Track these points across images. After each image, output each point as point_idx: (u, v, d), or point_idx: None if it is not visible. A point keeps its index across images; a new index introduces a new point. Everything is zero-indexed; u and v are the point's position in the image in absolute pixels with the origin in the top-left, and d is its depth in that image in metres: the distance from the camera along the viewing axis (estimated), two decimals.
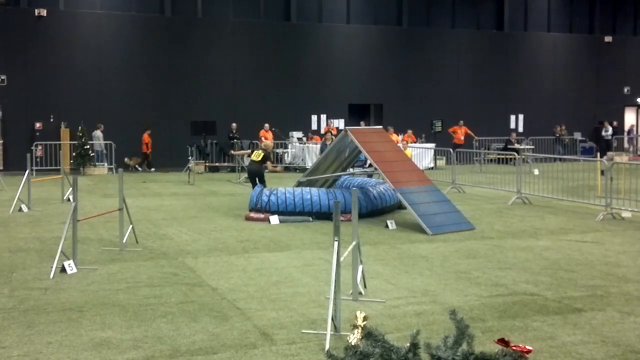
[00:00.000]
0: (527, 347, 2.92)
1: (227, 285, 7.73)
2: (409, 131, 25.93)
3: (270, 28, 28.22)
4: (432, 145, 25.28)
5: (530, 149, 26.60)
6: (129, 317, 6.52)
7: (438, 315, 6.54)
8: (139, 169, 25.01)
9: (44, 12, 24.88)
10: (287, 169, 24.88)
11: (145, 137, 25.04)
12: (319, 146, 22.02)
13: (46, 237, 10.85)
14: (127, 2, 26.59)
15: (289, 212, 12.53)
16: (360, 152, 13.66)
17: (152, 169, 24.98)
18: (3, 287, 7.68)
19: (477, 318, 6.43)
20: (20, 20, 24.74)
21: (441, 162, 24.83)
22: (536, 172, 20.00)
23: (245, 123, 25.93)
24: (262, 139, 25.23)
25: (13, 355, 5.47)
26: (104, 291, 7.51)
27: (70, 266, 8.38)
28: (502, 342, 2.91)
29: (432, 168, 23.62)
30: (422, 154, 23.65)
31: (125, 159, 24.56)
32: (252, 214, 12.70)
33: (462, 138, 26.58)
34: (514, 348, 2.87)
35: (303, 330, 6.06)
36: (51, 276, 8.09)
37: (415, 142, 25.08)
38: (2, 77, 24.61)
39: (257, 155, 14.43)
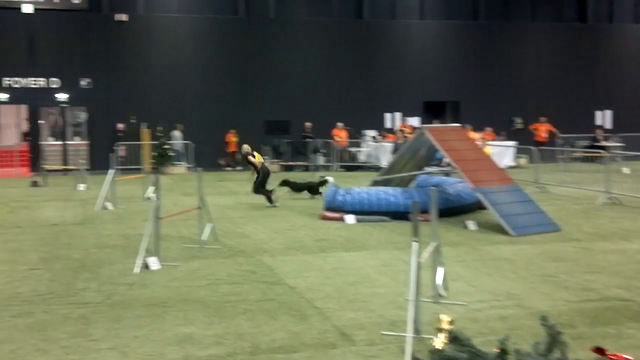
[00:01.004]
0: (626, 356, 2.78)
1: (304, 284, 7.80)
2: (488, 129, 25.38)
3: (343, 26, 28.27)
4: (513, 143, 24.65)
5: (619, 146, 25.47)
6: (210, 314, 6.68)
7: (524, 320, 6.37)
8: (227, 168, 25.69)
9: (124, 17, 25.88)
10: (361, 167, 24.86)
11: (229, 136, 25.67)
12: (392, 145, 21.87)
13: (130, 234, 11.27)
14: (202, 5, 27.28)
15: (364, 211, 12.51)
16: (436, 150, 13.48)
17: (237, 167, 25.59)
18: (91, 281, 8.04)
19: (566, 324, 6.20)
20: (102, 25, 25.84)
21: (523, 161, 24.17)
22: (626, 170, 19.14)
23: (319, 122, 26.09)
24: (335, 137, 25.39)
25: (102, 347, 5.71)
26: (185, 287, 7.74)
27: (154, 262, 8.68)
28: (598, 350, 2.79)
29: (513, 167, 23.03)
30: (502, 152, 23.10)
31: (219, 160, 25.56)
32: (328, 213, 12.76)
33: (545, 135, 25.76)
34: (611, 357, 2.74)
35: (383, 332, 6.04)
36: (136, 272, 8.41)
37: (494, 140, 24.53)
38: (88, 81, 25.76)
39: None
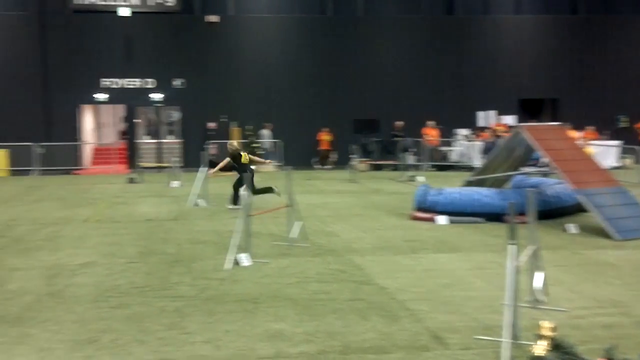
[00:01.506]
0: None
1: (395, 285, 7.76)
2: (589, 128, 24.35)
3: (433, 23, 27.93)
4: (617, 142, 23.53)
5: None
6: (300, 311, 6.77)
7: (631, 329, 6.06)
8: (322, 166, 26.00)
9: (215, 19, 26.69)
10: (452, 167, 24.45)
11: (321, 135, 25.95)
12: (482, 144, 21.37)
13: (221, 230, 11.60)
14: (291, 5, 27.69)
15: (456, 212, 12.30)
16: (533, 150, 13.06)
17: (327, 166, 25.86)
18: (185, 276, 8.33)
19: None
20: (194, 27, 26.74)
21: (628, 161, 23.04)
22: None
23: (409, 120, 25.90)
24: (425, 136, 25.11)
25: (196, 340, 5.90)
26: (276, 284, 7.87)
27: (245, 259, 8.89)
28: None
29: (617, 167, 21.99)
30: (605, 152, 22.11)
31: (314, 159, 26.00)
32: (418, 214, 12.64)
33: None
34: None
35: (477, 336, 5.92)
36: (228, 267, 8.64)
37: (596, 140, 23.50)
38: (181, 81, 26.74)
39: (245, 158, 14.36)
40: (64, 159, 24.89)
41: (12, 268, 8.81)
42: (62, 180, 22.15)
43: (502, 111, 27.27)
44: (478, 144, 24.07)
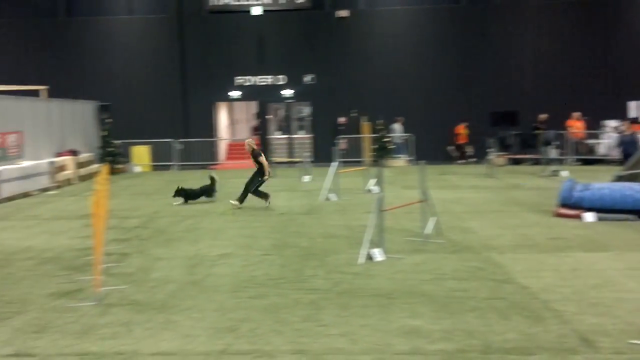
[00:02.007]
0: None
1: (538, 285, 7.49)
2: None
3: (575, 7, 26.50)
4: None
5: None
6: (437, 308, 6.72)
7: None
8: (459, 161, 25.63)
9: (345, 13, 26.98)
10: (600, 161, 23.11)
11: (459, 128, 25.55)
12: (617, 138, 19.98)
13: (353, 225, 11.74)
14: None
15: (605, 209, 11.64)
16: None
17: (462, 161, 25.41)
18: (319, 269, 8.52)
19: None
20: (324, 22, 27.20)
21: None
22: None
23: (550, 112, 24.77)
24: (570, 128, 23.93)
25: (332, 333, 6.04)
26: (410, 280, 7.86)
27: (378, 254, 8.95)
28: None
29: None
30: None
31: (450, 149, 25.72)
32: (563, 210, 12.09)
33: None
34: None
35: (632, 341, 5.59)
36: (361, 262, 8.74)
37: None
38: (312, 76, 27.31)
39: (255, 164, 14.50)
40: (201, 154, 26.25)
41: (157, 257, 9.45)
42: (199, 174, 23.37)
43: None
44: (620, 136, 22.60)
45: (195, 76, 27.41)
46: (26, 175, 17.75)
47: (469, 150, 25.67)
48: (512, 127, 24.89)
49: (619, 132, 22.40)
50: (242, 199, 14.19)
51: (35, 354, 5.64)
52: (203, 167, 25.73)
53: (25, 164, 18.15)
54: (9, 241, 10.98)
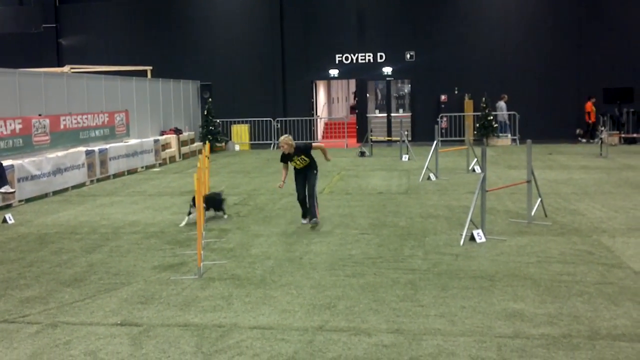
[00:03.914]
0: None
1: None
2: None
3: None
4: None
5: None
6: (541, 292, 6.54)
7: None
8: (582, 140, 24.56)
9: None
10: None
11: (588, 105, 24.41)
12: None
13: (454, 205, 11.58)
14: None
15: None
16: None
17: (595, 140, 24.33)
18: (418, 249, 8.49)
19: None
20: None
21: None
22: None
23: None
24: None
25: (430, 314, 6.01)
26: (513, 263, 7.68)
27: (480, 235, 8.79)
28: None
29: None
30: None
31: (578, 130, 24.69)
32: None
33: None
34: None
35: None
36: (461, 243, 8.63)
37: None
38: (412, 54, 26.95)
39: (302, 163, 10.38)
40: (299, 132, 26.61)
41: (255, 234, 9.71)
42: None
43: None
44: None
45: (295, 54, 27.71)
46: (132, 153, 18.67)
47: (599, 129, 24.34)
48: (627, 105, 23.59)
49: None
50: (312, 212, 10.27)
51: (141, 323, 5.97)
52: None
53: (132, 142, 19.08)
54: (117, 216, 11.61)
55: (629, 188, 13.01)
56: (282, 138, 10.32)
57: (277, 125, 26.44)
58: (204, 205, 9.45)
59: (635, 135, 23.02)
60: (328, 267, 7.73)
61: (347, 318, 5.95)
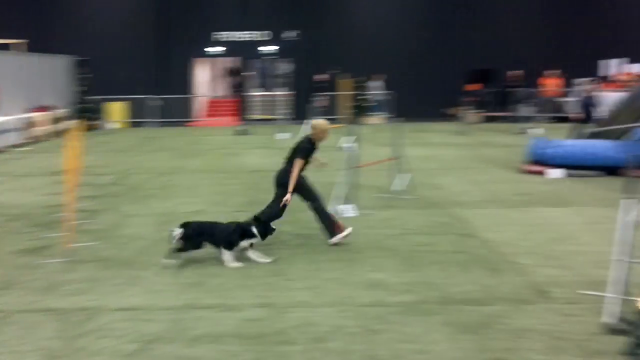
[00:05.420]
0: None
1: (500, 239, 7.65)
2: None
3: None
4: None
5: None
6: (400, 262, 6.85)
7: None
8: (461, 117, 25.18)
9: None
10: (567, 119, 23.28)
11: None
12: (614, 95, 20.08)
13: (325, 182, 11.73)
14: None
15: (574, 165, 11.83)
16: None
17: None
18: (289, 225, 8.56)
19: None
20: None
21: None
22: None
23: (527, 70, 24.83)
24: (542, 86, 23.96)
25: (298, 287, 6.14)
26: (378, 235, 7.98)
27: (349, 210, 9.03)
28: None
29: None
30: None
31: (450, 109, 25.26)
32: (531, 167, 12.25)
33: None
34: None
35: (582, 291, 5.77)
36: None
37: None
38: (296, 33, 26.92)
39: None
40: (179, 111, 26.03)
41: (128, 214, 9.46)
42: (176, 131, 23.26)
43: (634, 59, 25.46)
44: (603, 95, 22.71)
45: (174, 31, 26.94)
46: None
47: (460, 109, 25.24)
48: (489, 85, 24.91)
49: (584, 93, 22.57)
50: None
51: (0, 310, 5.68)
52: (180, 124, 25.60)
53: None
54: None
55: (486, 163, 13.80)
56: (318, 122, 7.81)
57: (154, 103, 25.71)
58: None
59: (494, 114, 24.35)
60: None
61: (217, 295, 5.96)
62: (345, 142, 16.00)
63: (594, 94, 16.82)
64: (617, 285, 5.22)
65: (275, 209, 7.56)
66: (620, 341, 4.58)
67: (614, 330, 4.80)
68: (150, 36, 26.88)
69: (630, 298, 5.29)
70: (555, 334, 4.93)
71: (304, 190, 7.70)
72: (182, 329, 5.17)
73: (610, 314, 4.97)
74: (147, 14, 26.80)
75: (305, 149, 7.62)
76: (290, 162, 7.68)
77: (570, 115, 22.67)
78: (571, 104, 24.46)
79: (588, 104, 15.60)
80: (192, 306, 5.68)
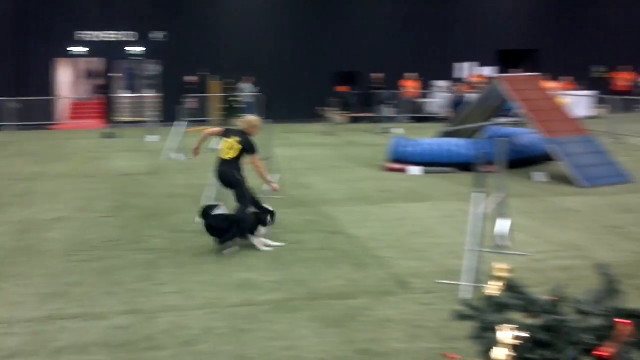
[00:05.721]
0: None
1: (365, 234, 7.90)
2: (566, 78, 24.45)
3: None
4: (592, 92, 23.69)
5: None
6: (270, 261, 6.89)
7: (586, 271, 6.26)
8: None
9: None
10: (430, 119, 24.47)
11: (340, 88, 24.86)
12: (470, 96, 21.37)
13: (197, 184, 11.60)
14: None
15: (431, 163, 12.43)
16: (507, 101, 13.14)
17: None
18: (159, 229, 8.38)
19: (631, 275, 6.08)
20: None
21: (603, 111, 23.26)
22: None
23: (389, 73, 25.77)
24: (403, 88, 25.02)
25: (168, 291, 6.00)
26: None
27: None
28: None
29: (592, 117, 22.21)
30: (579, 102, 22.27)
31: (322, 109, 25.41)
32: (392, 165, 12.75)
33: (627, 84, 24.63)
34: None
35: (439, 281, 6.09)
36: (198, 220, 8.68)
37: (573, 90, 23.62)
38: (164, 34, 26.21)
39: (230, 149, 7.69)
40: (39, 114, 24.53)
41: None
42: (37, 135, 21.94)
43: (483, 62, 27.19)
44: (452, 96, 24.10)
45: (34, 29, 25.33)
46: None
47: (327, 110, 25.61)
48: (354, 87, 25.59)
49: (451, 93, 23.85)
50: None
51: None
52: (42, 127, 24.19)
53: None
54: None
55: (351, 162, 14.18)
56: (250, 118, 8.19)
57: (12, 106, 24.08)
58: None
59: (359, 114, 25.05)
60: (63, 254, 7.30)
61: (81, 304, 5.70)
62: (214, 144, 15.90)
63: (464, 93, 17.80)
64: (470, 274, 5.55)
65: (245, 204, 7.70)
66: (470, 326, 4.87)
67: (463, 317, 5.10)
68: (7, 33, 25.14)
69: (480, 285, 5.65)
70: (415, 323, 5.17)
71: (241, 190, 7.81)
72: (44, 342, 4.90)
73: (462, 301, 5.27)
74: (3, 9, 25.04)
75: (254, 144, 7.78)
76: (234, 161, 7.71)
77: (440, 115, 23.87)
78: (433, 104, 25.75)
79: (458, 103, 16.45)
80: (55, 317, 5.40)
